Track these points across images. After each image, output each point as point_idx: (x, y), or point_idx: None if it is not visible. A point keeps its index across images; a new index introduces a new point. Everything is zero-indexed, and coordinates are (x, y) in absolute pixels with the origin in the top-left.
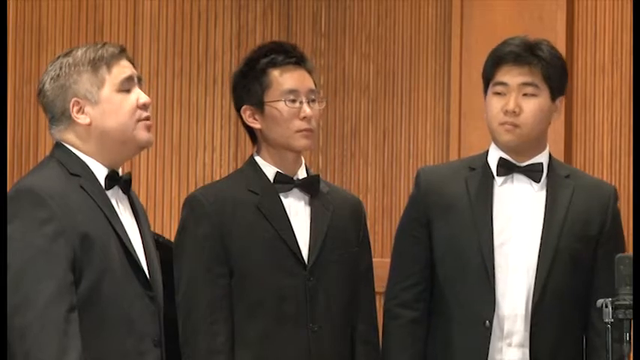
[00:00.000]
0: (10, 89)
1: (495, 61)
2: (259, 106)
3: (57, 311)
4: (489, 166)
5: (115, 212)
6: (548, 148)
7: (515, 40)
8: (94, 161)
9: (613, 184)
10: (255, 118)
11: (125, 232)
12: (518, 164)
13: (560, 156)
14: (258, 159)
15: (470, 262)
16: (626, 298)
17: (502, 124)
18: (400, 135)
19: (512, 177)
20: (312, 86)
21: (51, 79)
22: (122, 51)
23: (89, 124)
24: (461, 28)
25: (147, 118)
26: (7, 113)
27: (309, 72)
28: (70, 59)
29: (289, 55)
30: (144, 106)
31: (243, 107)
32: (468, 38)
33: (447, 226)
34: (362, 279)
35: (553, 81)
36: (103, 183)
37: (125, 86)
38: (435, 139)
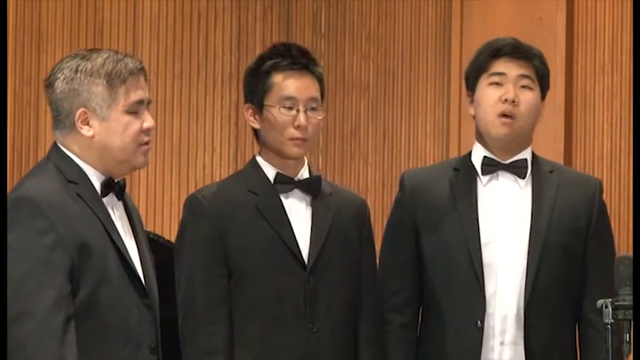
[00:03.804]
0: (10, 90)
1: (491, 54)
2: (259, 107)
3: (55, 322)
4: (474, 166)
5: (112, 220)
6: (531, 145)
7: (507, 38)
8: (91, 168)
9: (613, 184)
10: (255, 118)
11: (121, 240)
12: (502, 162)
13: (560, 156)
14: (259, 159)
15: (458, 263)
16: (626, 298)
17: (500, 115)
18: (400, 135)
19: (497, 175)
20: (314, 94)
21: (64, 78)
22: (141, 69)
23: (92, 137)
24: (461, 28)
25: (147, 143)
26: (7, 114)
27: (318, 78)
28: (89, 65)
29: (294, 61)
30: (147, 131)
31: (247, 105)
32: (468, 38)
33: (434, 229)
34: (365, 279)
35: (544, 81)
36: (99, 190)
37: (134, 108)
38: (435, 139)
